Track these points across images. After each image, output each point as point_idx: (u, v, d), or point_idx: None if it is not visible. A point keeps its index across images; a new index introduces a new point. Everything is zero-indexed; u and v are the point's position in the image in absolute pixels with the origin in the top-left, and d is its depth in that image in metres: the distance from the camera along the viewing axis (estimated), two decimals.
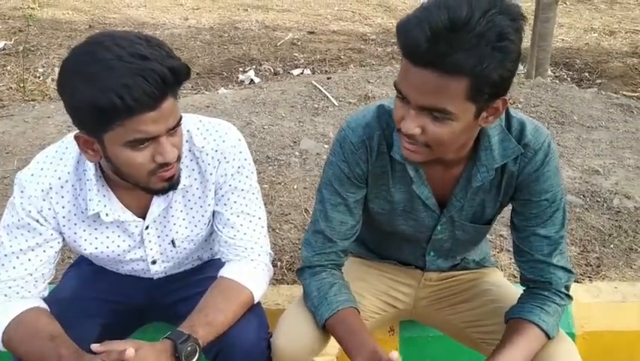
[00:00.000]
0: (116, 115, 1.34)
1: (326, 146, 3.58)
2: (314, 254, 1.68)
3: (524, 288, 1.67)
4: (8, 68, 5.57)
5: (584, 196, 3.13)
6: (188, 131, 1.61)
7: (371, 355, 1.48)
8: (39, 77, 5.41)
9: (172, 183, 1.54)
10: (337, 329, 1.58)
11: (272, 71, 5.86)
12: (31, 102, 4.55)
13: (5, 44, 6.15)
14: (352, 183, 1.61)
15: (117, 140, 1.40)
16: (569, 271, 1.62)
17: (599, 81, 5.83)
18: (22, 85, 4.97)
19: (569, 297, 1.63)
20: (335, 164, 1.61)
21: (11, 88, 5.09)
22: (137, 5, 7.99)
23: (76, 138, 1.46)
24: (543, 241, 1.59)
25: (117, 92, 1.31)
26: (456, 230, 1.69)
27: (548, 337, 1.56)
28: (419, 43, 1.23)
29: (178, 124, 1.46)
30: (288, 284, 2.45)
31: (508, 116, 1.53)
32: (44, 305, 1.63)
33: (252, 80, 5.56)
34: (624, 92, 5.37)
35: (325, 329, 1.62)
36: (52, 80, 5.34)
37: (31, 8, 7.37)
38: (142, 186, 1.53)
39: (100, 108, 1.33)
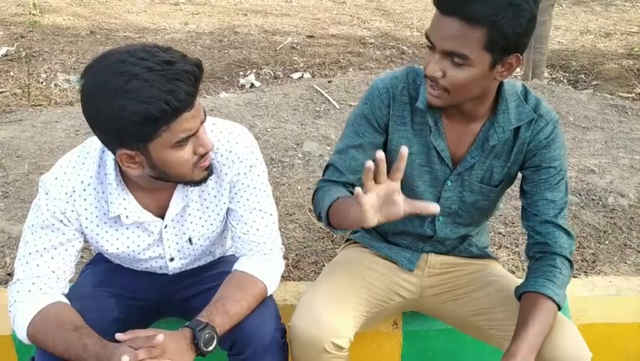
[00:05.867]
0: (164, 120, 1.43)
1: (328, 148, 3.66)
2: (324, 180, 1.82)
3: (530, 257, 1.79)
4: (11, 73, 5.60)
5: (579, 195, 3.22)
6: None
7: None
8: (42, 83, 5.45)
9: (210, 170, 1.64)
10: (334, 213, 1.66)
11: (272, 74, 5.92)
12: (38, 107, 4.61)
13: (8, 50, 6.19)
14: (370, 124, 1.78)
15: (165, 144, 1.48)
16: (572, 237, 1.76)
17: (594, 83, 5.89)
18: (26, 91, 5.03)
19: (572, 264, 1.76)
20: (359, 106, 1.81)
21: (16, 94, 5.14)
22: (137, 11, 8.04)
23: (118, 158, 1.54)
24: (549, 204, 1.75)
25: (163, 99, 1.40)
26: (464, 190, 1.81)
27: (559, 308, 1.68)
28: None
29: (205, 115, 1.56)
30: (294, 281, 2.52)
31: (526, 91, 1.74)
32: (65, 300, 1.70)
33: (252, 84, 5.62)
34: (620, 94, 5.45)
35: (330, 225, 1.70)
36: (56, 85, 5.39)
37: (33, 14, 7.41)
38: (187, 181, 1.63)
39: (150, 118, 1.41)
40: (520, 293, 1.73)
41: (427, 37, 1.56)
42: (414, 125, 1.77)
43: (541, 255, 1.76)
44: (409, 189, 1.81)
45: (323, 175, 1.85)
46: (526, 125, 1.73)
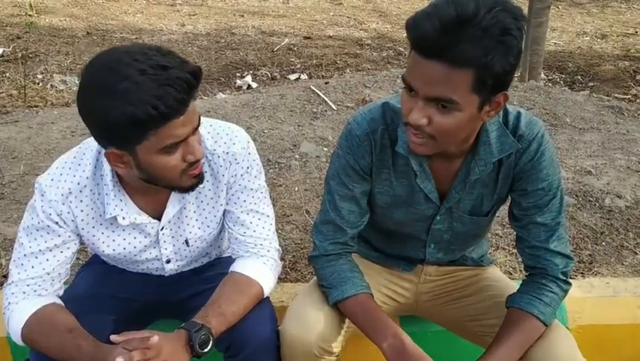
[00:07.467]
0: (152, 125, 1.42)
1: (325, 149, 3.65)
2: (328, 243, 1.76)
3: (526, 274, 1.76)
4: (7, 74, 5.57)
5: (576, 196, 3.21)
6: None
7: (394, 339, 1.60)
8: (38, 84, 5.43)
9: (200, 179, 1.62)
10: (358, 311, 1.68)
11: (269, 76, 5.91)
12: (34, 108, 4.59)
13: (4, 51, 6.16)
14: (358, 174, 1.69)
15: (152, 148, 1.47)
16: (567, 257, 1.70)
17: (591, 84, 5.89)
18: (22, 91, 5.01)
19: (567, 283, 1.70)
20: (342, 156, 1.69)
21: (12, 95, 5.12)
22: (133, 12, 8.01)
23: (106, 155, 1.53)
24: (540, 228, 1.67)
25: (151, 104, 1.39)
26: (454, 222, 1.77)
27: (545, 325, 1.65)
28: (428, 34, 1.32)
29: (199, 123, 1.54)
30: (291, 282, 2.52)
31: (506, 113, 1.62)
32: (60, 302, 1.70)
33: (249, 85, 5.61)
34: (616, 95, 5.45)
35: (337, 307, 1.71)
36: (52, 86, 5.37)
37: (29, 15, 7.38)
38: (174, 187, 1.61)
39: (137, 121, 1.40)
40: (508, 306, 1.71)
41: (406, 82, 1.43)
42: (396, 167, 1.69)
43: (533, 273, 1.73)
44: (396, 225, 1.81)
45: (321, 231, 1.77)
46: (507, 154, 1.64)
